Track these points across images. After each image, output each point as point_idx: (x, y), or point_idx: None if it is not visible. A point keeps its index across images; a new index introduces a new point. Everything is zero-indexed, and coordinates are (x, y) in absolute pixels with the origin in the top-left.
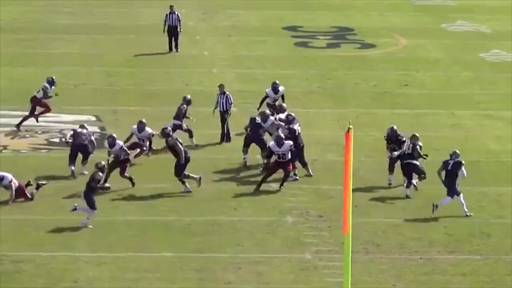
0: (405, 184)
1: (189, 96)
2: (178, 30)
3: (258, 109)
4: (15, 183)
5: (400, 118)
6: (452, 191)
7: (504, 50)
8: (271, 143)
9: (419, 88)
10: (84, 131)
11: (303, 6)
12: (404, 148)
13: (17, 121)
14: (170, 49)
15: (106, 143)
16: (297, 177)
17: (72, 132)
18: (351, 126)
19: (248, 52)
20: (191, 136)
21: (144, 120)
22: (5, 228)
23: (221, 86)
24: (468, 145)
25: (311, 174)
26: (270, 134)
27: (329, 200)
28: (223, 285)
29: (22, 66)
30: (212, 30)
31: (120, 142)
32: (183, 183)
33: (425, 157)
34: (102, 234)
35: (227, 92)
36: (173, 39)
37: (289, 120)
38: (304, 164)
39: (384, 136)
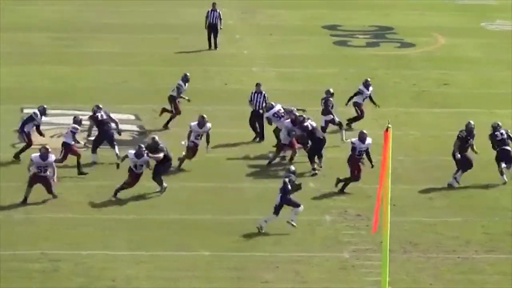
0: (503, 167)
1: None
2: (218, 28)
3: (346, 104)
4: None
5: (439, 117)
6: None
7: None
8: (354, 139)
9: (458, 87)
10: (105, 115)
11: (343, 5)
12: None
13: (57, 119)
14: (210, 46)
15: (132, 153)
16: (316, 172)
17: (95, 124)
18: (390, 125)
19: (287, 51)
20: (341, 128)
21: (205, 115)
22: (43, 227)
23: (258, 85)
24: None
25: (321, 166)
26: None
27: (367, 199)
28: (261, 284)
29: (62, 65)
30: (251, 29)
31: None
32: (161, 183)
33: None
34: (140, 233)
35: (263, 92)
36: (212, 36)
37: (300, 121)
38: (320, 156)
39: (462, 134)
